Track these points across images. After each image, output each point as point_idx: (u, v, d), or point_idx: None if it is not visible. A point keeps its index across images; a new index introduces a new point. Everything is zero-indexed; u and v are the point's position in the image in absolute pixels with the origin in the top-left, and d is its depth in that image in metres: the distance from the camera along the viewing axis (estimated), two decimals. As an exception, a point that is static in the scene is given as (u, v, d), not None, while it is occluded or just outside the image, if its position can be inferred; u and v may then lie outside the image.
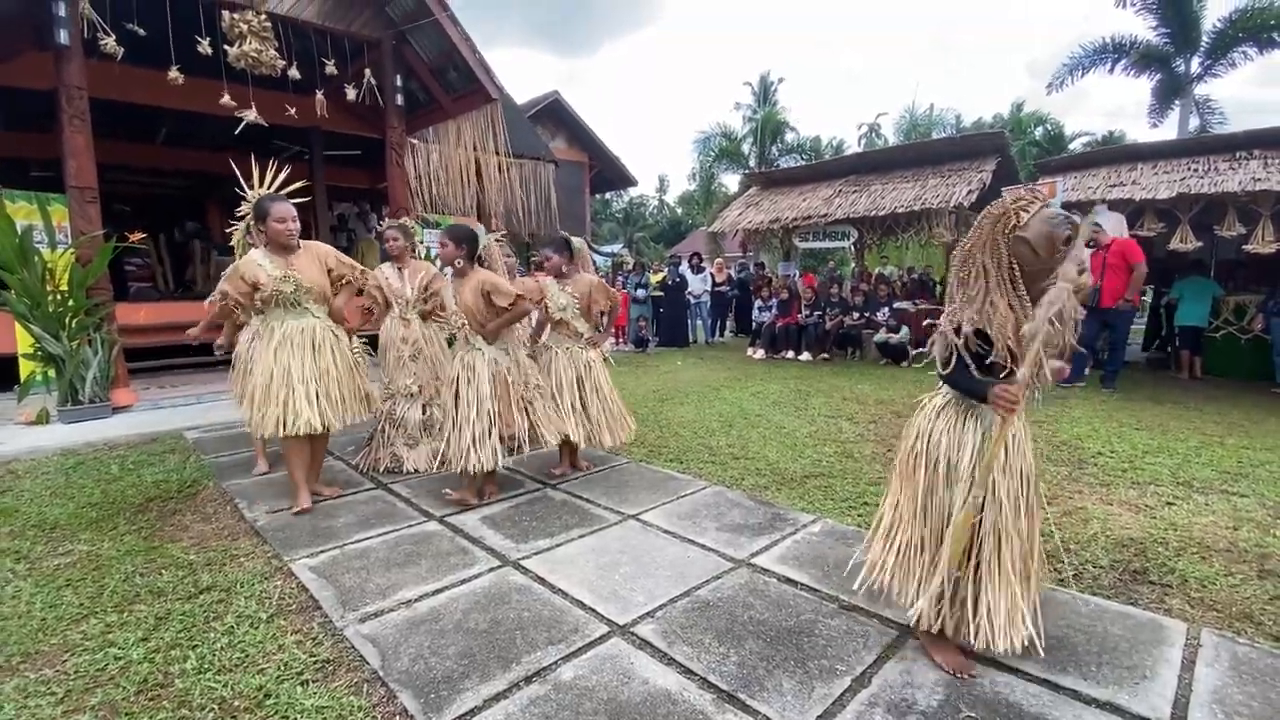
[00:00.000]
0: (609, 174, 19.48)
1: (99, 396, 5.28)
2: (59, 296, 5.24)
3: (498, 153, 8.49)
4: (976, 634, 1.84)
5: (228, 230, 3.39)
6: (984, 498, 1.83)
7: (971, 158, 9.00)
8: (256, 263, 3.11)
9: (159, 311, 7.21)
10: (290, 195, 3.30)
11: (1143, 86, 16.64)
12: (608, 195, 33.38)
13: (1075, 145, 22.16)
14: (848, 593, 2.37)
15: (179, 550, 2.81)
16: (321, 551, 2.79)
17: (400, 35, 6.96)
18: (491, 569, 2.61)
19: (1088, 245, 1.88)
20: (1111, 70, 16.79)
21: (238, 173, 3.28)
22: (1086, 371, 6.58)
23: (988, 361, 1.85)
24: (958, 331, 1.85)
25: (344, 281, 3.41)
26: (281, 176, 3.30)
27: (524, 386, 3.38)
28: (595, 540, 2.89)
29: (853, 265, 13.23)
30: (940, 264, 13.38)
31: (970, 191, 8.24)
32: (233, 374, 3.81)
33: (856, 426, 4.98)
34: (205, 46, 5.69)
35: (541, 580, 2.51)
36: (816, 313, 9.45)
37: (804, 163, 19.39)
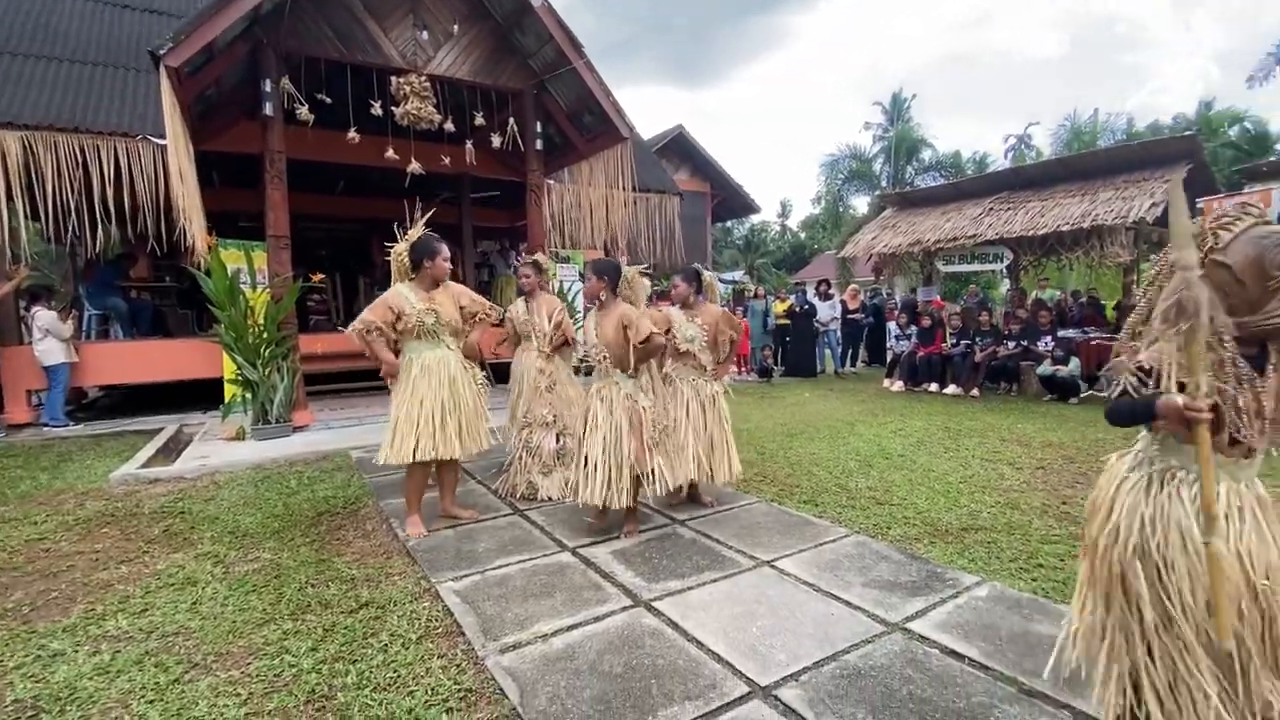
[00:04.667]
0: (732, 202, 19.47)
1: (283, 417, 6.00)
2: (257, 330, 6.06)
3: (625, 188, 8.75)
4: None
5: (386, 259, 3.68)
6: (1217, 542, 1.40)
7: (1154, 166, 7.90)
8: (403, 295, 3.38)
9: (332, 342, 8.12)
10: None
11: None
12: (728, 223, 33.37)
13: (1286, 144, 18.87)
14: (1028, 674, 2.05)
15: (343, 564, 3.06)
16: (465, 576, 2.90)
17: (541, 84, 7.44)
18: (624, 608, 2.57)
19: None
20: (1336, 54, 14.14)
21: (407, 217, 3.59)
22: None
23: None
24: (1145, 372, 1.48)
25: (476, 318, 3.67)
26: (432, 215, 3.59)
27: (654, 425, 3.35)
28: (729, 586, 2.75)
29: (1005, 289, 12.05)
30: (1113, 286, 11.83)
31: (1154, 205, 7.20)
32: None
33: (1020, 473, 4.42)
34: (377, 109, 6.43)
35: (675, 625, 2.42)
36: (964, 342, 8.66)
37: (943, 181, 18.14)
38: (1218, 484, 1.50)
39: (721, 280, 18.52)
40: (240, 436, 5.87)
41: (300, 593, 2.75)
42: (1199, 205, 6.94)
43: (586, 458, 3.28)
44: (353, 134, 6.41)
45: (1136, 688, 1.53)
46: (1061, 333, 8.07)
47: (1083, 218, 7.75)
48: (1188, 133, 10.65)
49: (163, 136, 5.82)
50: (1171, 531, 1.47)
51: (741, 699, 1.96)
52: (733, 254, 37.11)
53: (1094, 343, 7.70)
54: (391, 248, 3.54)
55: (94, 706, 1.99)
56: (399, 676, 2.13)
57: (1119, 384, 1.56)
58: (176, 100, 5.40)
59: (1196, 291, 1.36)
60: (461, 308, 3.58)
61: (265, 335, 6.05)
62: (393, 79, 6.47)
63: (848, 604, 2.55)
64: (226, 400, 6.42)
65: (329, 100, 6.31)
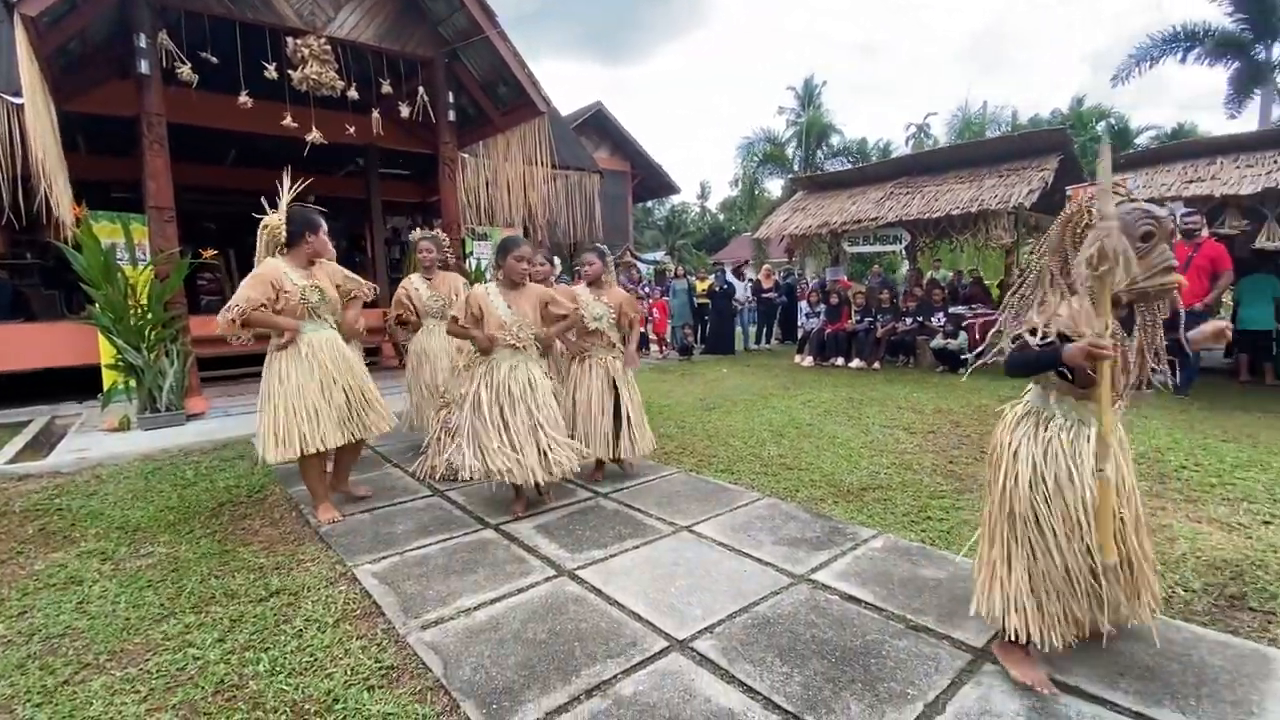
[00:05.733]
0: (651, 182, 19.58)
1: (174, 405, 5.56)
2: (139, 310, 5.56)
3: (543, 165, 8.61)
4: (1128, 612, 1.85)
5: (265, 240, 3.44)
6: (1109, 469, 1.71)
7: (1031, 156, 8.63)
8: (281, 270, 3.15)
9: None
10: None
11: (1219, 76, 15.80)
12: (649, 203, 33.51)
13: (1141, 140, 21.07)
14: (915, 612, 2.28)
15: (250, 554, 2.92)
16: (383, 558, 2.85)
17: (452, 53, 7.15)
18: (547, 578, 2.62)
19: (1182, 233, 1.74)
20: (1184, 60, 15.93)
21: (279, 187, 3.32)
22: (1164, 373, 6.21)
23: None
24: (1033, 334, 1.75)
25: (352, 296, 3.52)
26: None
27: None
28: (649, 551, 2.86)
29: (904, 269, 12.88)
30: (996, 267, 12.89)
31: (1031, 191, 7.90)
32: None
33: (914, 437, 4.81)
34: (271, 71, 5.98)
35: (597, 591, 2.50)
36: (867, 319, 9.21)
37: (851, 166, 19.01)
38: (1085, 426, 1.80)
39: (643, 261, 18.70)
40: (124, 426, 5.40)
41: (202, 585, 2.62)
42: (1068, 191, 7.66)
43: (513, 437, 3.23)
44: (244, 98, 5.95)
45: (1016, 605, 1.82)
46: (952, 309, 8.74)
47: (970, 202, 8.39)
48: (1060, 126, 11.69)
49: (17, 94, 5.17)
50: (1060, 466, 1.77)
51: (661, 653, 2.07)
52: (654, 234, 37.33)
53: (980, 319, 8.39)
54: (261, 219, 3.27)
55: (-33, 716, 1.84)
56: (315, 660, 2.09)
57: (1008, 341, 1.82)
58: (34, 54, 4.81)
59: (1116, 239, 1.57)
60: (337, 286, 3.40)
61: (150, 316, 5.57)
62: (288, 40, 6.03)
63: (759, 560, 2.72)
64: (106, 388, 5.88)
65: (215, 60, 5.81)
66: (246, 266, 11.63)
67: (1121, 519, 1.79)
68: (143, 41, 5.46)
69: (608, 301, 3.80)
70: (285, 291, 3.12)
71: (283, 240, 3.21)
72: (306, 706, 1.86)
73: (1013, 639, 1.85)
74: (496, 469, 3.16)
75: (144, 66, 5.49)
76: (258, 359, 7.82)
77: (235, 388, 7.45)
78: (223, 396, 6.80)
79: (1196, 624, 2.19)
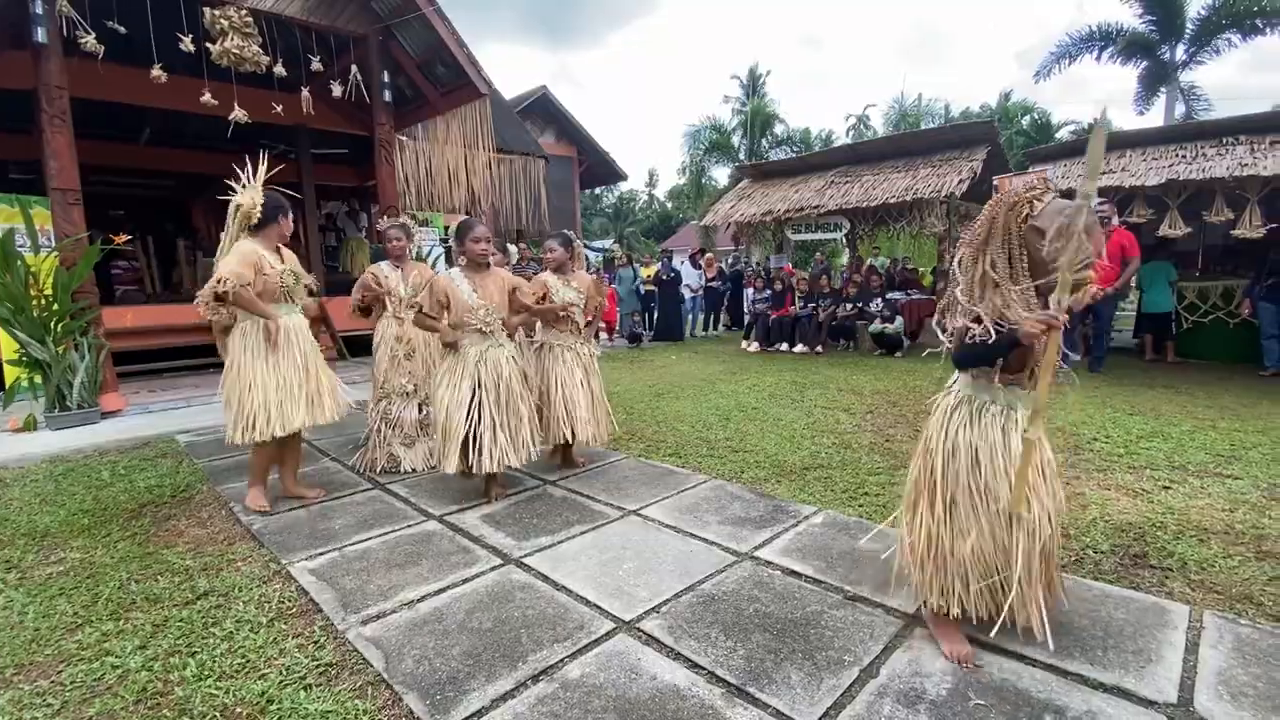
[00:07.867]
0: (598, 169, 19.39)
1: (87, 402, 5.19)
2: (43, 301, 5.15)
3: (487, 149, 8.41)
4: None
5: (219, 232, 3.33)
6: (1033, 433, 1.80)
7: (962, 147, 9.01)
8: (259, 252, 3.07)
9: (146, 314, 7.12)
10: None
11: (1131, 75, 16.89)
12: (597, 190, 33.26)
13: (1062, 134, 22.28)
14: (852, 583, 2.37)
15: (175, 556, 2.77)
16: (320, 554, 2.76)
17: (387, 30, 6.87)
18: (494, 567, 2.59)
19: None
20: (1099, 58, 16.90)
21: (240, 171, 3.20)
22: (1074, 356, 6.66)
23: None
24: (976, 322, 1.79)
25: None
26: (268, 171, 3.23)
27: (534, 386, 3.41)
28: (597, 536, 2.87)
29: (845, 256, 13.25)
30: (930, 254, 13.43)
31: (961, 181, 8.25)
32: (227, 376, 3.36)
33: (853, 418, 4.98)
34: (188, 44, 5.60)
35: (545, 578, 2.49)
36: (810, 305, 9.45)
37: (794, 154, 19.36)
38: (1014, 411, 1.86)
39: (591, 249, 18.56)
40: (30, 426, 5.01)
41: (121, 591, 2.46)
42: (994, 181, 8.04)
43: (478, 423, 3.15)
44: (157, 72, 5.55)
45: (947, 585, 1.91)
46: (889, 295, 9.06)
47: (906, 191, 8.69)
48: (988, 120, 12.23)
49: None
50: (985, 448, 1.86)
51: (608, 635, 2.09)
52: (602, 222, 37.14)
53: (914, 303, 8.76)
54: (231, 198, 3.15)
55: None
56: (248, 662, 2.00)
57: (953, 334, 1.90)
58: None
59: (1087, 215, 1.65)
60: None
61: (56, 307, 5.16)
62: (205, 10, 5.65)
63: (705, 540, 2.77)
64: (8, 385, 5.43)
65: (123, 30, 5.39)
66: (166, 254, 10.96)
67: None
68: (39, 7, 5.02)
69: (577, 287, 3.78)
70: (265, 274, 3.04)
71: (254, 222, 3.10)
72: (238, 710, 1.78)
73: (944, 612, 1.95)
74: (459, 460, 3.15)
75: (40, 35, 5.05)
76: (181, 353, 7.39)
77: (157, 382, 7.02)
78: (142, 392, 6.40)
79: (1104, 581, 2.36)
